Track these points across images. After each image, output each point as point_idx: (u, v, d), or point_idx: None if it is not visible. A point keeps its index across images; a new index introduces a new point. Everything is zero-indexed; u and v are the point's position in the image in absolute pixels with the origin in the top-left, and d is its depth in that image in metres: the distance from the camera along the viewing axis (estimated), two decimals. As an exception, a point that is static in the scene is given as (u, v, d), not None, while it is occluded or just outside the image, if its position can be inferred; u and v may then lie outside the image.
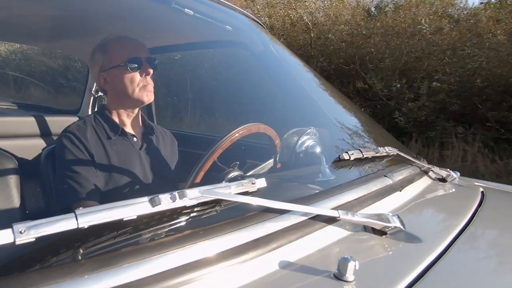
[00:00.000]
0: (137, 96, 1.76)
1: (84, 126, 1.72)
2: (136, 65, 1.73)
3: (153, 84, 1.80)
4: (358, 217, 1.10)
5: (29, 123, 2.94)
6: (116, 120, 1.81)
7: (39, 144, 2.84)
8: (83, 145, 1.65)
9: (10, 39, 3.29)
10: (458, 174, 1.94)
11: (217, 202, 1.00)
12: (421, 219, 1.43)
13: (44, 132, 2.96)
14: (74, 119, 3.16)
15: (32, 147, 2.70)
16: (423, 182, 1.75)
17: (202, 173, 1.43)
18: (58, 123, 3.05)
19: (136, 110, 1.85)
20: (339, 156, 1.56)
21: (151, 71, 1.77)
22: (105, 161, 1.68)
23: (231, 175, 1.51)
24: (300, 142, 1.63)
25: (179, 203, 0.89)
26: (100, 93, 3.43)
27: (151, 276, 0.74)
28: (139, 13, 2.18)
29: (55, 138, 2.95)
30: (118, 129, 1.77)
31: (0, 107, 3.63)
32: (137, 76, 1.74)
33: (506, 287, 1.02)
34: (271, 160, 1.74)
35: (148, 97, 1.78)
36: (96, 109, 3.52)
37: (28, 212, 1.54)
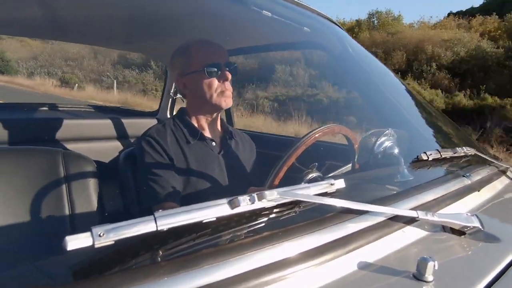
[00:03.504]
0: (215, 101, 1.74)
1: (163, 130, 1.73)
2: (215, 71, 1.71)
3: (231, 89, 1.78)
4: (437, 217, 1.06)
5: (106, 125, 2.98)
6: (195, 124, 1.80)
7: (116, 146, 2.89)
8: (162, 148, 1.66)
9: (90, 42, 3.39)
10: None
11: (295, 203, 0.98)
12: (500, 219, 1.36)
13: (121, 135, 2.99)
14: (152, 121, 3.20)
15: (108, 150, 2.74)
16: (501, 182, 1.68)
17: (285, 168, 1.41)
18: (136, 125, 3.08)
19: (215, 115, 1.83)
20: (417, 156, 1.51)
21: (229, 76, 1.74)
22: (184, 165, 1.68)
23: (310, 176, 1.49)
24: (378, 143, 1.59)
25: (258, 205, 0.88)
26: (178, 95, 3.52)
27: (231, 277, 0.72)
28: (218, 15, 2.17)
29: (132, 140, 2.98)
30: (197, 134, 1.76)
31: (77, 110, 3.67)
32: (215, 81, 1.72)
33: None
34: (349, 165, 1.71)
35: (226, 102, 1.76)
36: (174, 112, 3.54)
37: (107, 214, 1.56)
